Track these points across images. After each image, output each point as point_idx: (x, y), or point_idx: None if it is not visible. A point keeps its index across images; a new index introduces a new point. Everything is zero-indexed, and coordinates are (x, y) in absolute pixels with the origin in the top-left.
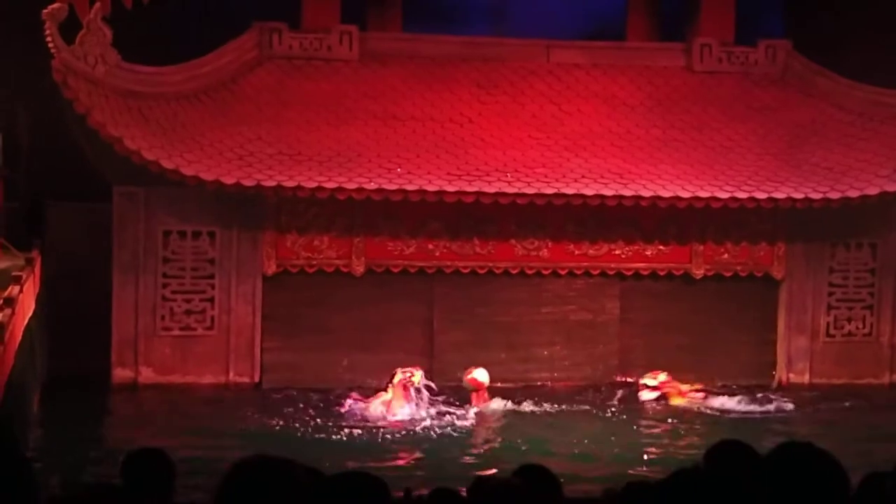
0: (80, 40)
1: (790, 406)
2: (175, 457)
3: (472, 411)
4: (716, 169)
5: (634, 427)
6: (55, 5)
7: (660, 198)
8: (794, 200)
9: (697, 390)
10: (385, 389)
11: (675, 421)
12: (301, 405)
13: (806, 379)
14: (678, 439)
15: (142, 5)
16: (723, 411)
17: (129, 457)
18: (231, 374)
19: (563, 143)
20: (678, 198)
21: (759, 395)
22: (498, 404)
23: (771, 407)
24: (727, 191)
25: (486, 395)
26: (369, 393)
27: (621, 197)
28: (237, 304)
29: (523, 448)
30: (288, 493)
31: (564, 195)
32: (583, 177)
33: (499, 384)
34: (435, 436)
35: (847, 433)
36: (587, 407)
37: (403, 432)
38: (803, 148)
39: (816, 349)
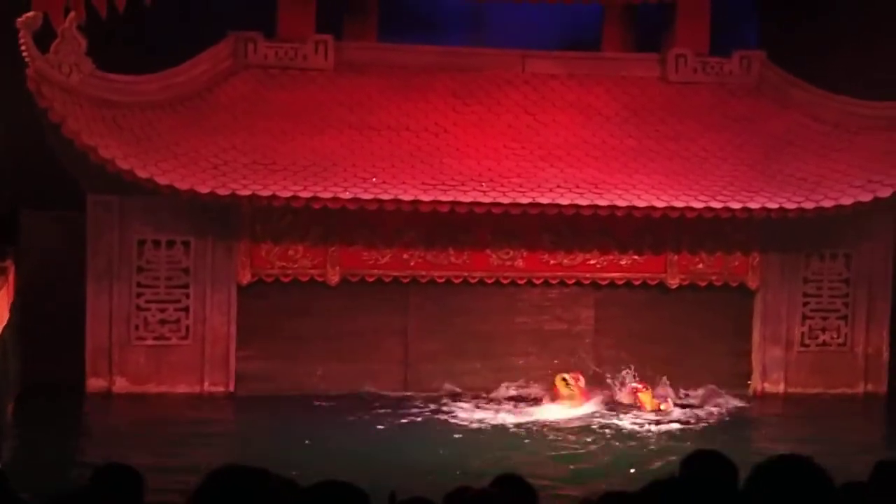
0: (54, 49)
1: None
2: (149, 467)
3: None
4: (691, 179)
5: None
6: (30, 14)
7: (635, 207)
8: (769, 210)
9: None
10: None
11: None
12: None
13: (781, 388)
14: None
15: (117, 15)
16: None
17: (98, 472)
18: (206, 384)
19: (539, 152)
20: (653, 207)
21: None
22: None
23: None
24: (702, 201)
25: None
26: None
27: (596, 207)
28: (212, 313)
29: None
30: (260, 502)
31: (539, 205)
32: (558, 186)
33: (472, 394)
34: None
35: None
36: None
37: None
38: (778, 158)
39: (791, 359)
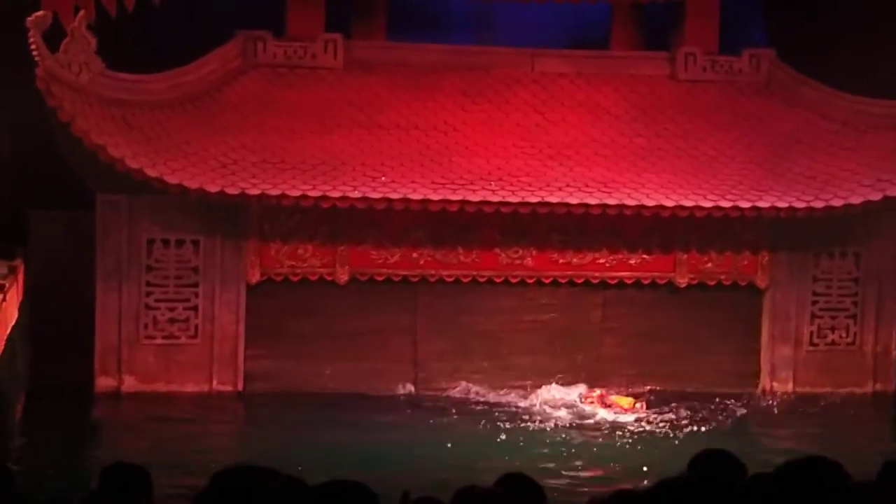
0: (64, 48)
1: None
2: (157, 466)
3: None
4: (700, 178)
5: None
6: (39, 13)
7: (644, 207)
8: (778, 209)
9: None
10: None
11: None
12: None
13: (790, 388)
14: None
15: (127, 14)
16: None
17: (106, 471)
18: (214, 383)
19: (548, 151)
20: (662, 207)
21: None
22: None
23: None
24: (711, 200)
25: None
26: None
27: (605, 206)
28: (221, 312)
29: None
30: (268, 502)
31: (548, 204)
32: (567, 185)
33: (481, 394)
34: None
35: None
36: None
37: None
38: (787, 157)
39: (800, 358)
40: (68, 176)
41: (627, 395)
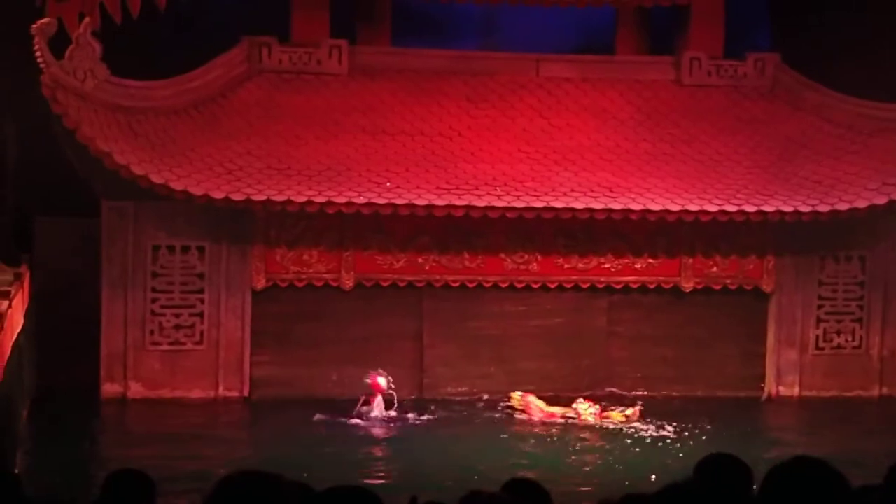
0: (69, 55)
1: None
2: (163, 472)
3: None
4: (705, 182)
5: None
6: (44, 20)
7: (649, 211)
8: (784, 213)
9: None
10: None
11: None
12: None
13: (795, 392)
14: None
15: (132, 21)
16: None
17: (111, 477)
18: (220, 389)
19: (553, 156)
20: (667, 211)
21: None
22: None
23: None
24: (716, 204)
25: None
26: None
27: (610, 210)
28: (226, 318)
29: None
30: None
31: (554, 209)
32: (572, 190)
33: (486, 397)
34: None
35: None
36: None
37: None
38: (792, 161)
39: (806, 362)
40: (74, 182)
41: (620, 409)
